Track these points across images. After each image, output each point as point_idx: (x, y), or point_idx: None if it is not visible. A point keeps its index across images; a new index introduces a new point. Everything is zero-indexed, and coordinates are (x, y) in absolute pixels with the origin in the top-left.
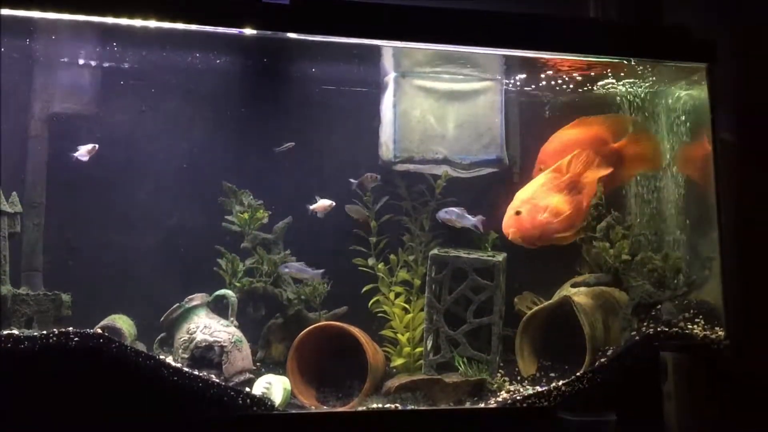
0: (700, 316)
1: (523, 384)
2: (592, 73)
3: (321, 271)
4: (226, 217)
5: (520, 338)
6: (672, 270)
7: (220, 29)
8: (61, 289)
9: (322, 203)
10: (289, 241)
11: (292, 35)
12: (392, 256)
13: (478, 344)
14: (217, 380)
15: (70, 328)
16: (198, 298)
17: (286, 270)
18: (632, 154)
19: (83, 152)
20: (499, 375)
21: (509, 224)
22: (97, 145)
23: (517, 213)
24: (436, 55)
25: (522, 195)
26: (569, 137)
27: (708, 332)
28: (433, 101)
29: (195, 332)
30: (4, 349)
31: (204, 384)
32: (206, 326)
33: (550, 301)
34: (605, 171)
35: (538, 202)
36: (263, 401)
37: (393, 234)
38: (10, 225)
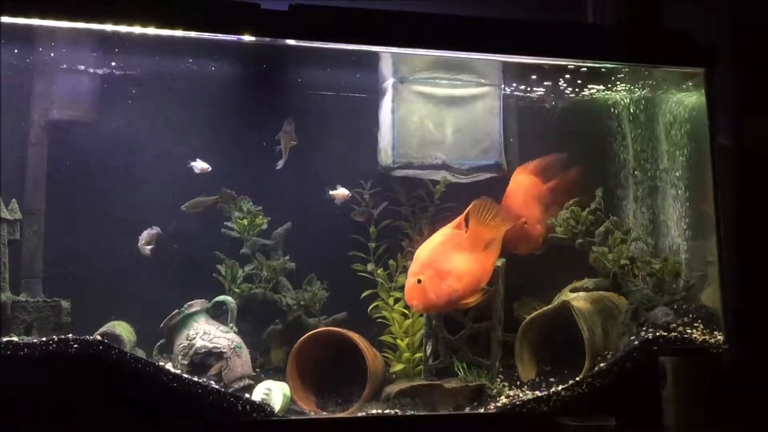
0: (699, 321)
1: (523, 389)
2: (590, 78)
3: None
4: (225, 223)
5: (520, 343)
6: (671, 274)
7: (220, 36)
8: (60, 296)
9: (342, 191)
10: (288, 246)
11: (291, 42)
12: (391, 262)
13: (478, 349)
14: (217, 386)
15: (70, 335)
16: (197, 305)
17: None
18: (564, 188)
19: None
20: (498, 380)
21: (412, 295)
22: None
23: (419, 281)
24: (434, 60)
25: (422, 257)
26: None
27: (707, 337)
28: (432, 107)
29: (194, 338)
30: (4, 356)
31: (203, 390)
32: (206, 332)
33: (550, 306)
34: (508, 225)
35: (440, 265)
36: (263, 407)
37: (392, 239)
38: (9, 232)
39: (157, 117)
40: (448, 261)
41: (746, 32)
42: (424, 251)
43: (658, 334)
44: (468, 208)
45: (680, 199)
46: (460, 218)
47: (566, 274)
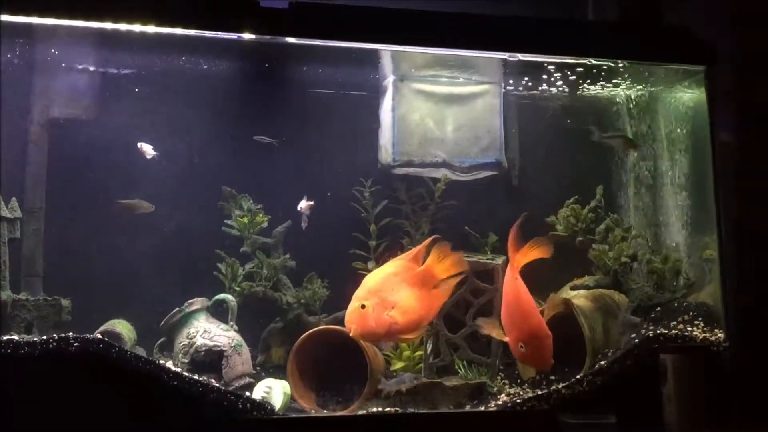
0: (700, 318)
1: (523, 387)
2: (591, 75)
3: None
4: (225, 221)
5: None
6: (671, 272)
7: (219, 34)
8: (60, 295)
9: (306, 203)
10: (288, 244)
11: (290, 39)
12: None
13: (478, 347)
14: (217, 384)
15: (70, 334)
16: (198, 303)
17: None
18: (438, 269)
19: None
20: (499, 378)
21: (352, 319)
22: None
23: (363, 306)
24: (434, 58)
25: (370, 283)
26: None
27: (708, 334)
28: (432, 104)
29: (195, 337)
30: (4, 355)
31: (204, 388)
32: (206, 331)
33: (549, 306)
34: (464, 268)
35: (386, 295)
36: (263, 405)
37: (392, 237)
38: (9, 230)
39: (156, 115)
40: (395, 293)
41: (746, 31)
42: (374, 278)
43: (659, 331)
44: (424, 243)
45: (681, 196)
46: (418, 251)
47: (566, 272)
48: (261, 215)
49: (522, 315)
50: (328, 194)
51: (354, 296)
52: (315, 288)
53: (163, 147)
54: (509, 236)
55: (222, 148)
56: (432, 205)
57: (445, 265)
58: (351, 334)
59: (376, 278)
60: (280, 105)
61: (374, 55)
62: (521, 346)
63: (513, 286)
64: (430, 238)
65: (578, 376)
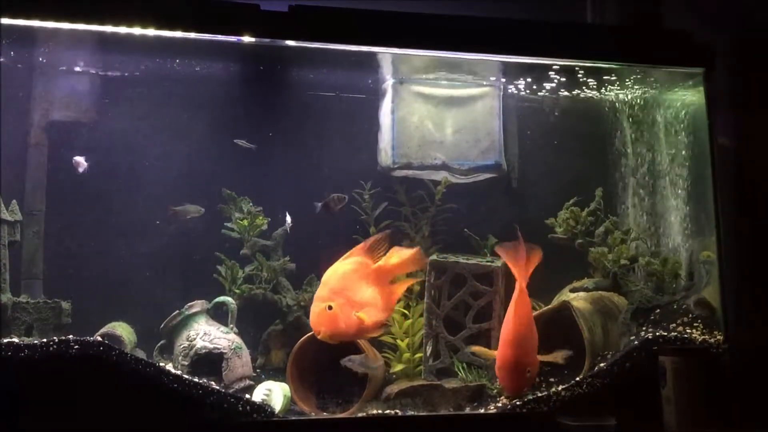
0: (699, 320)
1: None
2: (590, 78)
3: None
4: (225, 223)
5: None
6: (670, 274)
7: (219, 37)
8: (60, 297)
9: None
10: (288, 247)
11: (290, 43)
12: None
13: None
14: (217, 387)
15: (70, 336)
16: (197, 305)
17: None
18: (393, 265)
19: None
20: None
21: (320, 321)
22: None
23: (329, 308)
24: (433, 61)
25: (332, 282)
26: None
27: (707, 336)
28: (432, 107)
29: (195, 339)
30: (4, 358)
31: (204, 391)
32: (206, 333)
33: (549, 306)
34: (419, 266)
35: (351, 295)
36: (263, 408)
37: (392, 240)
38: (9, 233)
39: (156, 117)
40: (359, 292)
41: (746, 31)
42: (334, 276)
43: (658, 333)
44: (374, 237)
45: (680, 199)
46: (369, 245)
47: (566, 274)
48: (261, 218)
49: (503, 340)
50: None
51: (317, 296)
52: (315, 290)
53: (163, 149)
54: (512, 258)
55: (222, 150)
56: (432, 208)
57: (401, 262)
58: (319, 337)
59: (337, 277)
60: (280, 108)
61: (373, 58)
62: (497, 368)
63: (513, 307)
64: (383, 233)
65: (578, 378)
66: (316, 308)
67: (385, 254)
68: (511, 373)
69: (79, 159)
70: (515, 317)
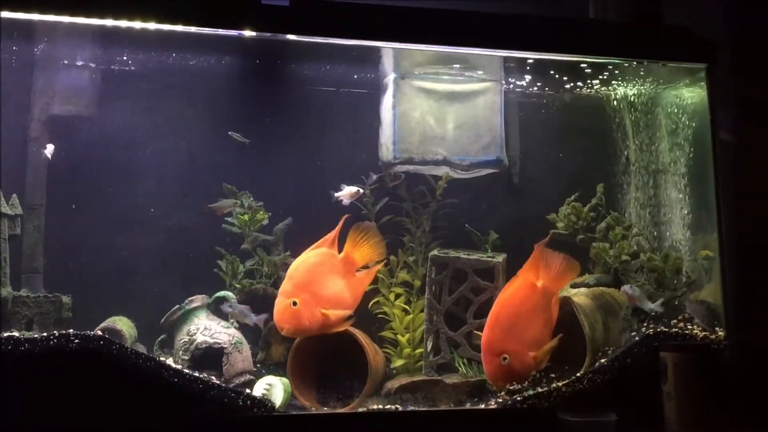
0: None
1: (523, 385)
2: (592, 73)
3: (264, 316)
4: (226, 218)
5: None
6: (672, 270)
7: (220, 31)
8: (61, 291)
9: (349, 190)
10: (289, 242)
11: (291, 37)
12: (392, 257)
13: (479, 345)
14: (218, 382)
15: (71, 330)
16: (198, 300)
17: (230, 310)
18: (358, 255)
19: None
20: None
21: (285, 318)
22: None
23: (294, 303)
24: (435, 56)
25: (297, 277)
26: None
27: (708, 332)
28: (433, 102)
29: (195, 334)
30: (5, 351)
31: (204, 385)
32: (206, 328)
33: None
34: (382, 255)
35: (315, 289)
36: (263, 403)
37: (393, 235)
38: (10, 227)
39: (157, 112)
40: (323, 285)
41: (747, 29)
42: (299, 270)
43: (659, 329)
44: (337, 228)
45: (682, 194)
46: (334, 236)
47: None
48: (261, 212)
49: (489, 322)
50: (334, 193)
51: (281, 291)
52: None
53: (163, 144)
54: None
55: (222, 145)
56: (433, 203)
57: (365, 251)
58: (283, 333)
59: (302, 271)
60: (281, 102)
61: (375, 53)
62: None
63: (502, 293)
64: (342, 220)
65: (578, 374)
66: (280, 305)
67: (355, 244)
68: (484, 355)
69: (50, 146)
70: (500, 302)
